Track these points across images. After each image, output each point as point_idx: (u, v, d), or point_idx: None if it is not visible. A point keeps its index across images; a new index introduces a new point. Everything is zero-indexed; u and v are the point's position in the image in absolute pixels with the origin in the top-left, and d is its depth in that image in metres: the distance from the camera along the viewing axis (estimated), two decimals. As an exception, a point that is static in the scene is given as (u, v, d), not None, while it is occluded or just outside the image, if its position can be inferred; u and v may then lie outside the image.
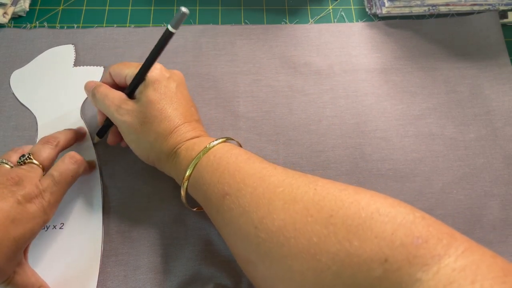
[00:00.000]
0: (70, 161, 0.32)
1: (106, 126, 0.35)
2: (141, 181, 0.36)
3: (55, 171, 0.31)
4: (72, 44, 0.43)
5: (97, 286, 0.32)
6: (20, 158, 0.31)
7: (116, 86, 0.34)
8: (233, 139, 0.32)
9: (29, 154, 0.31)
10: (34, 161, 0.31)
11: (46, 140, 0.33)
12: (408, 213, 0.21)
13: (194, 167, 0.29)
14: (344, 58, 0.44)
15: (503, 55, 0.44)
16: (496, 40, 0.45)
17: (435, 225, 0.20)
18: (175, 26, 0.27)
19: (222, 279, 0.33)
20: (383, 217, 0.21)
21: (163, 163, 0.32)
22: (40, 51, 0.42)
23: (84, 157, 0.35)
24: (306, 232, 0.22)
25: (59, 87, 0.40)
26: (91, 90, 0.33)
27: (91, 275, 0.32)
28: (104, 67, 0.41)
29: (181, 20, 0.27)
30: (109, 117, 0.33)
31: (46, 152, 0.32)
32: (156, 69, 0.32)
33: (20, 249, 0.28)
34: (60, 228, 0.34)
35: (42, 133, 0.38)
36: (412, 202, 0.36)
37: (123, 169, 0.37)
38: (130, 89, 0.32)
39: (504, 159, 0.39)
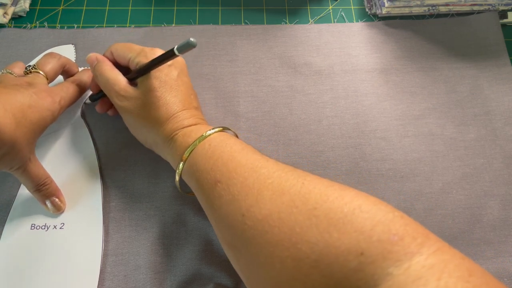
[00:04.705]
0: (75, 83, 0.36)
1: (100, 95, 0.37)
2: (141, 181, 0.36)
3: (65, 83, 0.35)
4: (72, 44, 0.43)
5: (97, 286, 0.32)
6: (26, 68, 0.34)
7: (116, 63, 0.35)
8: (229, 129, 0.33)
9: (34, 65, 0.34)
10: (40, 71, 0.34)
11: (50, 54, 0.36)
12: (388, 212, 0.22)
13: (189, 154, 0.29)
14: (344, 58, 0.44)
15: (503, 55, 0.44)
16: (496, 40, 0.45)
17: (412, 225, 0.21)
18: (180, 51, 0.28)
19: (222, 279, 0.33)
20: (364, 213, 0.21)
21: (160, 148, 0.33)
22: (40, 51, 0.42)
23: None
24: (290, 222, 0.23)
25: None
26: (94, 65, 0.34)
27: (91, 275, 0.32)
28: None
29: (187, 50, 0.27)
30: (110, 99, 0.34)
31: (50, 64, 0.35)
32: None
33: (35, 134, 0.31)
34: (60, 228, 0.34)
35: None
36: (412, 202, 0.37)
37: (123, 169, 0.37)
38: (131, 77, 0.33)
39: (504, 159, 0.39)
